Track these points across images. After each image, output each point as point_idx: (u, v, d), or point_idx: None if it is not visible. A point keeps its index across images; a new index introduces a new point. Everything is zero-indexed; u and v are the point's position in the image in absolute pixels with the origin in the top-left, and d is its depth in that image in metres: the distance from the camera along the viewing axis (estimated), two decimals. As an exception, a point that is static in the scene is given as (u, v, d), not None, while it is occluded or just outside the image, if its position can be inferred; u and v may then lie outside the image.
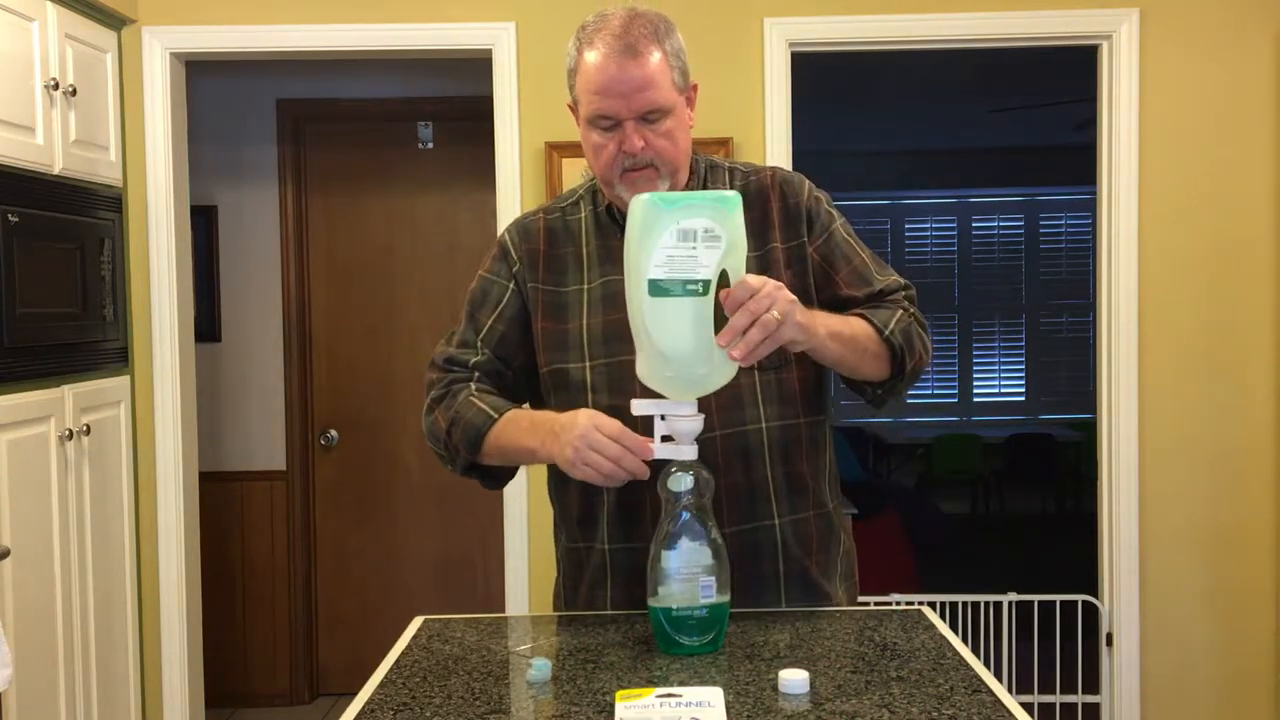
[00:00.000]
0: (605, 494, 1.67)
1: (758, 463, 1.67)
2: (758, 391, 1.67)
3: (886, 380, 1.71)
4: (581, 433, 1.49)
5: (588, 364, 1.68)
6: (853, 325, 1.64)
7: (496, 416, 1.65)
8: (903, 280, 1.77)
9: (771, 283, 1.45)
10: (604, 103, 1.61)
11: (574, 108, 1.70)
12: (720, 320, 1.45)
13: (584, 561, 1.74)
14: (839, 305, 1.71)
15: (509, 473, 1.78)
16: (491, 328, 1.75)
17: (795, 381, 1.70)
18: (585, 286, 1.72)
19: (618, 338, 1.61)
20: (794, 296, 1.47)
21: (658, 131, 1.63)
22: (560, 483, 1.75)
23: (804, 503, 1.72)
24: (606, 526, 1.69)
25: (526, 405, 1.76)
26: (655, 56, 1.61)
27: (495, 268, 1.78)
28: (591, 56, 1.61)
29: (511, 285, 1.76)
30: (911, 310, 1.73)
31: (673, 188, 1.68)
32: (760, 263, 1.69)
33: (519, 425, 1.64)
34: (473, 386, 1.71)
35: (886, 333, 1.66)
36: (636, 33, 1.60)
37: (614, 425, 1.49)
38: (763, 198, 1.74)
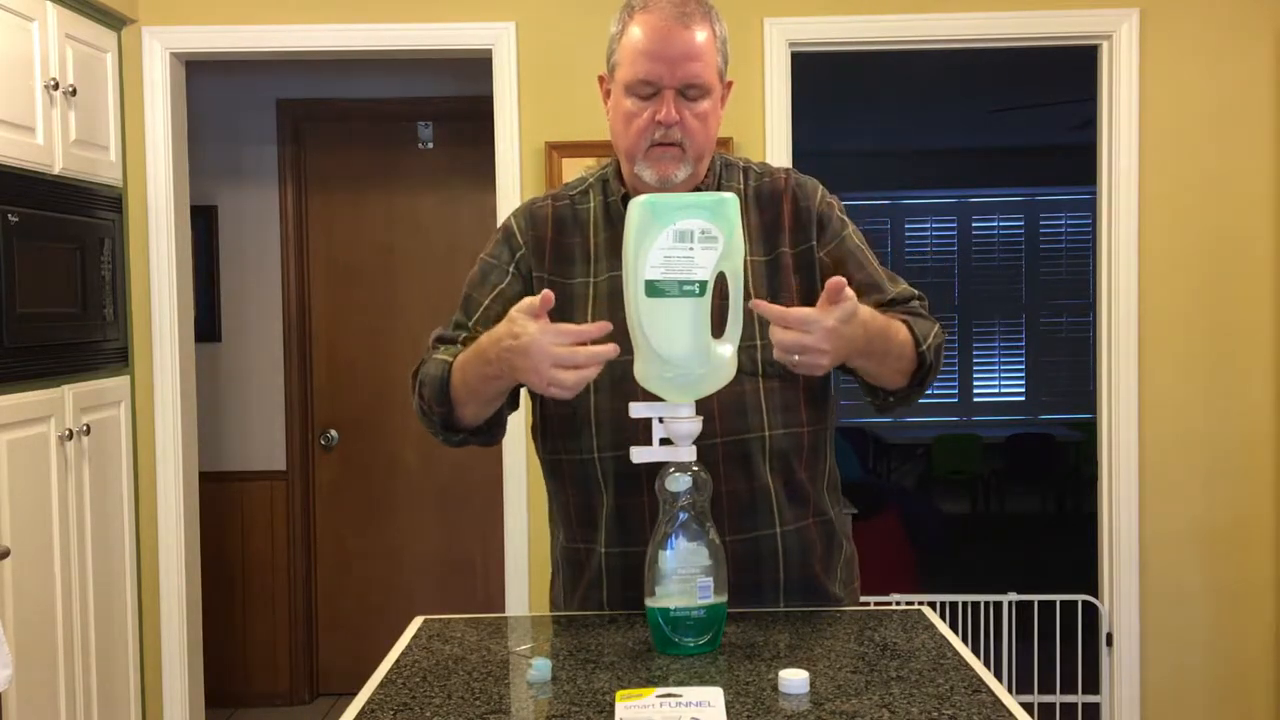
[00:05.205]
0: (604, 496, 1.66)
1: (759, 470, 1.64)
2: (761, 399, 1.64)
3: (901, 389, 1.65)
4: (536, 356, 1.42)
5: None
6: (890, 334, 1.56)
7: (452, 360, 1.62)
8: (915, 290, 1.72)
9: (821, 330, 1.41)
10: (649, 66, 1.59)
11: (605, 81, 1.68)
12: (718, 322, 1.45)
13: (584, 562, 1.72)
14: None
15: (498, 425, 1.71)
16: (488, 307, 1.69)
17: (800, 390, 1.67)
18: (592, 280, 1.69)
19: (622, 336, 1.60)
20: (831, 346, 1.42)
21: (694, 110, 1.61)
22: (558, 485, 1.74)
23: (804, 511, 1.69)
24: (606, 529, 1.67)
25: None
26: (706, 33, 1.61)
27: (497, 251, 1.74)
28: (643, 19, 1.60)
29: (513, 269, 1.71)
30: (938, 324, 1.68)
31: (692, 176, 1.66)
32: (770, 267, 1.67)
33: (472, 359, 1.58)
34: (440, 349, 1.67)
35: (924, 346, 1.60)
36: (692, 7, 1.60)
37: (561, 330, 1.43)
38: (775, 201, 1.71)
